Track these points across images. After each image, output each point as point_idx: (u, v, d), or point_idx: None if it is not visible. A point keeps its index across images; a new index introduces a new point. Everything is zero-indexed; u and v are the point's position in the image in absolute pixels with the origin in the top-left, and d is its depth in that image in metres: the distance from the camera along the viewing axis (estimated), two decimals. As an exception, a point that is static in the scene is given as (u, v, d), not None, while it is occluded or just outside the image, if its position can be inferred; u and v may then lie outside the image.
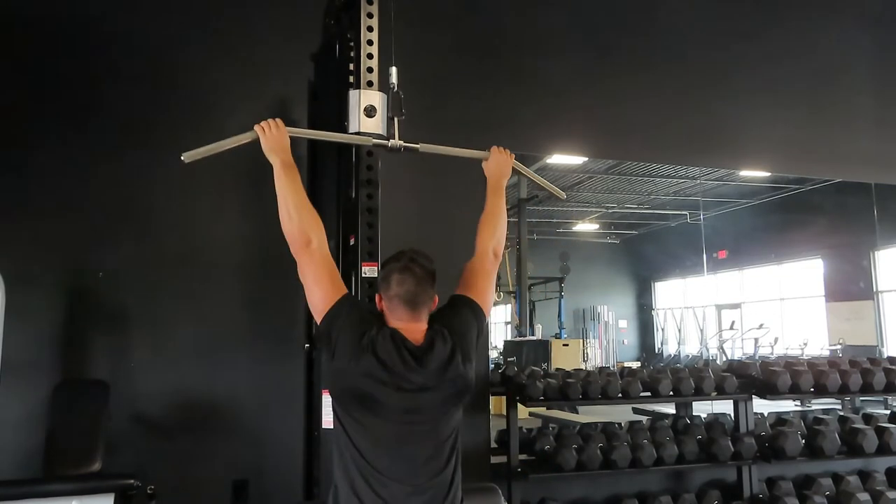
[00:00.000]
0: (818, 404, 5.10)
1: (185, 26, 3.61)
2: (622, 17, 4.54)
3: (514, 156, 2.42)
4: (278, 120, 2.14)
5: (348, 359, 1.74)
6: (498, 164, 2.40)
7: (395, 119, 2.41)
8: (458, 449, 1.83)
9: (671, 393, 3.82)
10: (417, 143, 2.44)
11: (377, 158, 2.50)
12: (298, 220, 1.90)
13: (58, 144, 3.33)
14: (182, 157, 2.14)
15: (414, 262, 1.85)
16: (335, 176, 2.72)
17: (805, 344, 6.91)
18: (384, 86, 2.53)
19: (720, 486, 3.94)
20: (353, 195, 2.50)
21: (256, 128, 2.13)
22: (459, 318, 1.92)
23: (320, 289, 1.85)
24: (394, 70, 2.44)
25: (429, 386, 1.75)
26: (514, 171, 2.48)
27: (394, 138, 2.39)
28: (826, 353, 5.87)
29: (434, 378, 1.76)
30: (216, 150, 2.19)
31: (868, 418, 4.25)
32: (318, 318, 1.84)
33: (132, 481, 2.47)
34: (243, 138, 2.17)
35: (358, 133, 2.44)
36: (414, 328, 1.83)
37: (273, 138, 2.10)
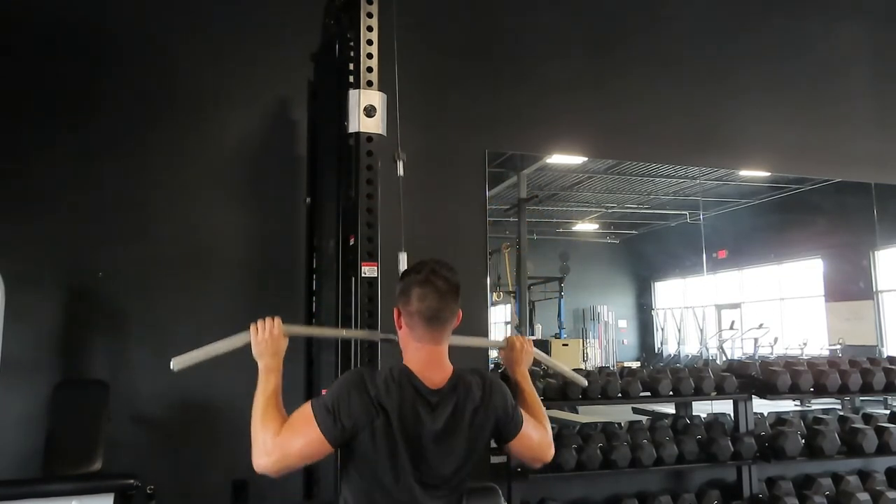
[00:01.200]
0: (818, 404, 5.09)
1: (185, 26, 3.62)
2: (622, 17, 4.54)
3: (531, 342, 2.18)
4: (276, 320, 1.97)
5: (368, 436, 1.61)
6: (516, 352, 2.14)
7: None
8: (465, 490, 1.75)
9: (671, 393, 3.82)
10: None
11: (377, 158, 2.50)
12: (255, 434, 1.80)
13: (58, 144, 3.33)
14: (171, 366, 1.99)
15: (436, 275, 1.70)
16: (335, 176, 2.72)
17: (805, 344, 6.90)
18: (384, 86, 2.54)
19: (720, 486, 3.94)
20: (353, 195, 2.50)
21: (251, 326, 1.97)
22: (503, 392, 1.79)
23: (300, 449, 1.67)
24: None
25: (443, 437, 1.65)
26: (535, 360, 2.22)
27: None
28: (826, 352, 5.86)
29: (446, 431, 1.65)
30: (207, 356, 2.02)
31: (868, 418, 4.25)
32: (333, 449, 1.65)
33: (132, 481, 2.47)
34: (236, 343, 2.02)
35: (357, 135, 2.44)
36: (434, 355, 1.71)
37: (262, 343, 1.95)
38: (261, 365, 1.93)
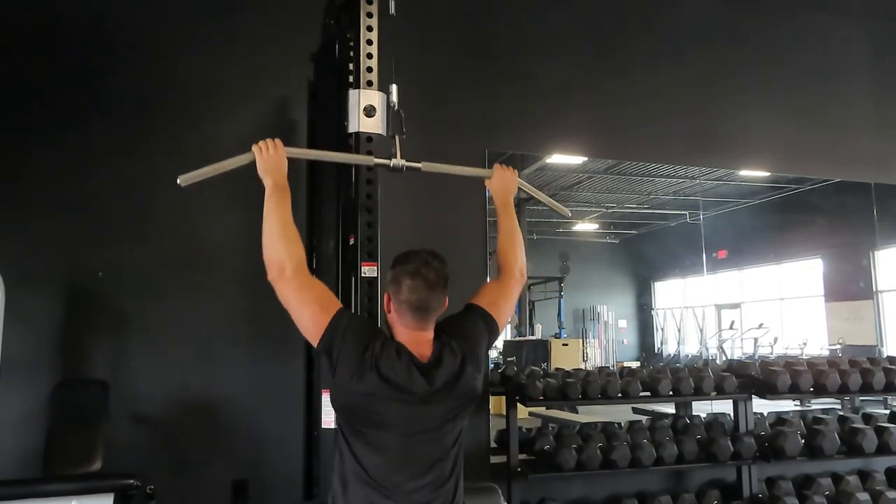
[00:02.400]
0: (818, 404, 5.09)
1: (185, 26, 3.62)
2: (622, 18, 4.54)
3: (517, 173, 2.36)
4: (277, 141, 2.09)
5: (350, 376, 1.68)
6: (503, 181, 2.34)
7: (397, 138, 2.37)
8: (461, 456, 1.80)
9: (671, 393, 3.83)
10: (420, 163, 2.40)
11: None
12: (275, 248, 1.84)
13: (58, 144, 3.33)
14: (178, 181, 2.10)
15: (428, 267, 1.77)
16: (335, 176, 2.72)
17: (804, 344, 6.90)
18: (384, 86, 2.53)
19: (720, 486, 3.94)
20: (353, 195, 2.50)
21: (254, 147, 2.08)
22: (472, 329, 1.88)
23: (307, 312, 1.77)
24: (394, 88, 2.42)
25: (435, 400, 1.72)
26: (520, 189, 2.42)
27: (395, 157, 2.36)
28: (825, 352, 5.86)
29: (441, 393, 1.73)
30: (213, 173, 2.15)
31: (868, 418, 4.25)
32: (313, 343, 1.77)
33: (132, 481, 2.47)
34: (241, 160, 2.13)
35: (357, 135, 2.45)
36: (420, 338, 1.79)
37: (269, 160, 2.05)
38: (269, 182, 2.01)
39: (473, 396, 1.80)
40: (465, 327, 1.88)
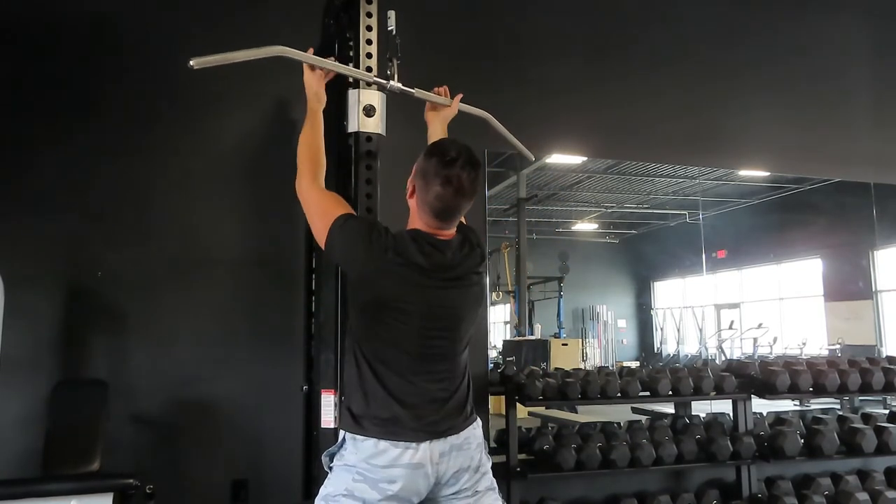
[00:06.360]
0: (817, 404, 5.10)
1: (184, 26, 3.61)
2: (622, 18, 4.54)
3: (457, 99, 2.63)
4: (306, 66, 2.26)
5: (364, 262, 1.72)
6: (450, 110, 2.61)
7: (394, 61, 2.46)
8: (468, 365, 1.85)
9: (670, 392, 3.83)
10: (413, 88, 2.49)
11: (377, 158, 2.50)
12: (299, 164, 2.05)
13: (58, 144, 3.33)
14: (191, 63, 2.08)
15: (463, 174, 1.73)
16: (335, 175, 2.72)
17: (804, 343, 6.91)
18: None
19: (719, 486, 3.94)
20: (353, 194, 2.50)
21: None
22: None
23: (313, 221, 1.89)
24: (392, 14, 2.48)
25: (454, 283, 1.76)
26: (489, 126, 2.70)
27: (392, 80, 2.45)
28: (825, 352, 5.86)
29: (460, 278, 1.77)
30: (225, 62, 2.18)
31: (867, 418, 4.26)
32: (322, 240, 1.81)
33: (131, 481, 2.47)
34: (260, 53, 2.25)
35: (357, 134, 2.44)
36: (440, 233, 1.81)
37: (306, 80, 2.28)
38: (307, 104, 2.22)
39: (482, 291, 1.86)
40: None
